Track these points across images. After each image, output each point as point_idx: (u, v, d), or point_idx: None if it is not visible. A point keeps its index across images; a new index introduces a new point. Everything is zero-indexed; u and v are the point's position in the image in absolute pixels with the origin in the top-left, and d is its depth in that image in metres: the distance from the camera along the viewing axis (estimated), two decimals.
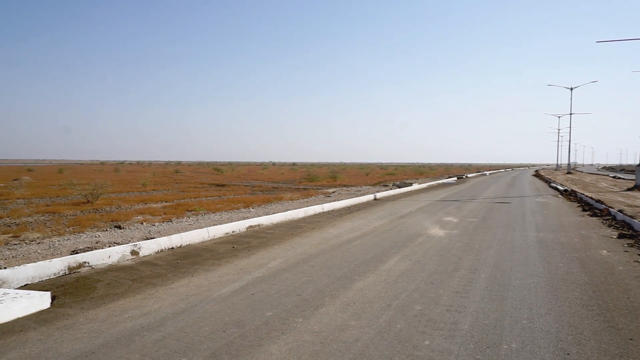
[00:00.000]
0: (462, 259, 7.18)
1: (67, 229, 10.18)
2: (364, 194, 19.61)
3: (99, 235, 9.11)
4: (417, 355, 3.64)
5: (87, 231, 9.82)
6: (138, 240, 8.09)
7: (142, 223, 11.03)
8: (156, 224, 10.87)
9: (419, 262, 6.92)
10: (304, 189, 26.39)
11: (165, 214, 13.19)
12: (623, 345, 3.82)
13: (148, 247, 7.54)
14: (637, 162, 23.98)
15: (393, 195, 20.83)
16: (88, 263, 6.51)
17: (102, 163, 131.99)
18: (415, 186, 26.54)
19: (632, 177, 31.86)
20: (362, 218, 12.46)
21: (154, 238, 8.15)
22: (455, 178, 40.34)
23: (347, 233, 9.84)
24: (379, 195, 19.70)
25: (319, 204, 14.94)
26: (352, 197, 17.76)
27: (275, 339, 3.97)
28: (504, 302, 4.97)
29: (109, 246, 7.61)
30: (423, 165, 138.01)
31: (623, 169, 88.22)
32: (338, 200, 16.76)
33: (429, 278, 5.98)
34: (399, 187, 24.88)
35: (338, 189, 25.71)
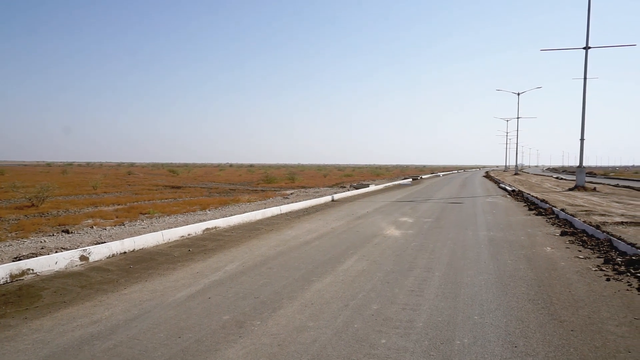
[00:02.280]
0: (417, 258, 7.37)
1: (9, 235, 9.60)
2: (321, 196, 19.71)
3: (44, 241, 8.65)
4: (374, 353, 3.71)
5: (32, 236, 9.30)
6: (88, 245, 7.75)
7: (92, 227, 10.57)
8: (108, 227, 10.46)
9: (376, 262, 7.04)
10: (262, 190, 26.20)
11: (117, 217, 12.71)
12: (565, 337, 4.06)
13: (99, 252, 7.24)
14: (578, 164, 25.50)
15: (350, 197, 21.06)
16: (32, 270, 6.16)
17: (49, 164, 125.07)
18: (372, 187, 26.97)
19: (573, 177, 33.86)
20: (320, 219, 12.52)
21: (105, 242, 7.84)
22: (411, 179, 41.32)
23: (305, 234, 9.86)
24: (337, 196, 19.87)
25: (276, 205, 14.88)
26: (310, 199, 17.81)
27: (232, 343, 3.92)
28: (456, 299, 5.15)
29: (56, 252, 7.25)
30: (380, 167, 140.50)
31: (565, 170, 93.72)
32: (296, 201, 16.76)
33: (386, 277, 6.10)
34: (356, 189, 25.19)
35: (296, 190, 25.72)
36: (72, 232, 9.74)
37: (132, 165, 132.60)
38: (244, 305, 4.93)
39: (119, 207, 15.97)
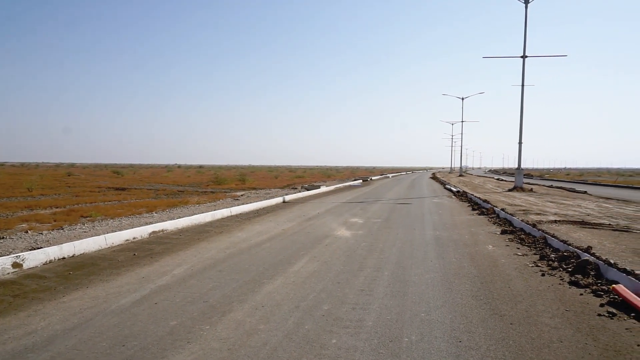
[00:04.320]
0: (367, 258, 7.50)
1: None
2: (273, 197, 19.60)
3: None
4: (325, 353, 3.73)
5: None
6: (22, 251, 7.26)
7: (27, 232, 9.92)
8: (44, 232, 9.85)
9: (327, 263, 7.09)
10: (212, 192, 25.68)
11: (55, 220, 12.00)
12: (505, 330, 4.27)
13: (34, 258, 6.80)
14: (517, 166, 26.97)
15: (302, 198, 21.10)
16: None
17: None
18: (324, 189, 27.15)
19: (513, 179, 35.78)
20: (271, 221, 12.45)
21: (41, 248, 7.38)
22: (361, 180, 42.00)
23: (255, 236, 9.76)
24: (288, 197, 19.83)
25: (227, 207, 14.63)
26: (261, 200, 17.67)
27: (180, 349, 3.81)
28: (405, 297, 5.29)
29: None
30: (330, 168, 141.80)
31: (505, 172, 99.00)
32: (247, 203, 16.56)
33: (336, 278, 6.16)
34: (308, 190, 25.26)
35: (247, 192, 25.42)
36: (3, 238, 9.09)
37: (72, 166, 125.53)
38: (193, 310, 4.81)
39: (57, 210, 15.09)
